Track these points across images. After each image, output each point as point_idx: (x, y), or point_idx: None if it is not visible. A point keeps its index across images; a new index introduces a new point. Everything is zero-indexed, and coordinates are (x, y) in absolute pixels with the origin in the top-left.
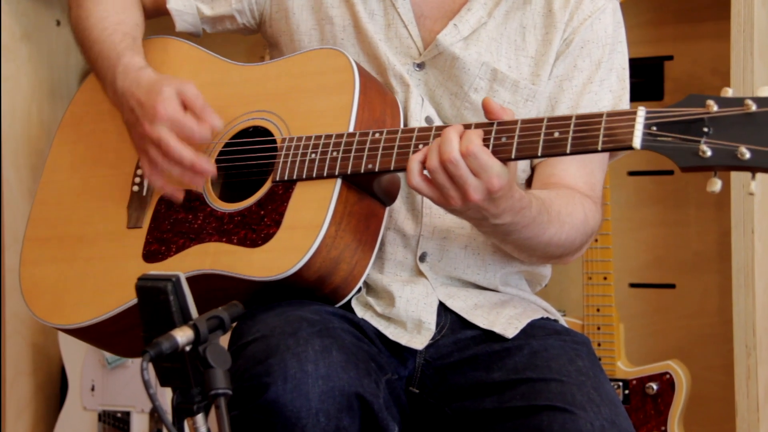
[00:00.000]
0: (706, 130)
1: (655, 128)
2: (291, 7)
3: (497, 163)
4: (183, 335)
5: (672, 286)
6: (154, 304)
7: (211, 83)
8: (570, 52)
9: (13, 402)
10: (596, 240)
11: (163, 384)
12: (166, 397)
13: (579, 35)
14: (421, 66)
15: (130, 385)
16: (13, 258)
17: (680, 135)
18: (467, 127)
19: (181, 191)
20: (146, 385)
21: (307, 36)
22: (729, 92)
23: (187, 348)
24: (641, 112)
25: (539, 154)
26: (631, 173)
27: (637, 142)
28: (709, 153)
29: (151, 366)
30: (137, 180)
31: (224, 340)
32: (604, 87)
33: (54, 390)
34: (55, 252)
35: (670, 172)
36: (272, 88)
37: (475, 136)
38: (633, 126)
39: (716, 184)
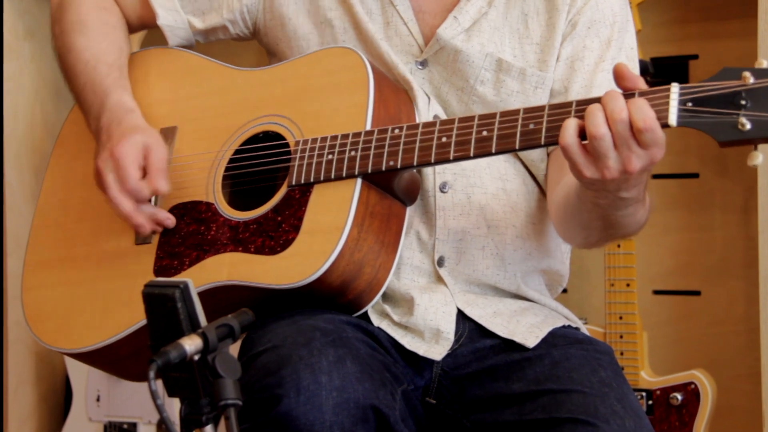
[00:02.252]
0: (743, 102)
1: (690, 104)
2: (286, 14)
3: (661, 133)
4: (191, 344)
5: (697, 293)
6: (162, 312)
7: (216, 91)
8: (577, 33)
9: (16, 412)
10: (618, 245)
11: (170, 394)
12: (173, 408)
13: (585, 16)
14: (423, 64)
15: (137, 395)
16: (15, 264)
17: (717, 109)
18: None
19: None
20: (153, 395)
21: (305, 41)
22: (764, 63)
23: (196, 357)
24: (675, 88)
25: None
26: (655, 176)
27: (673, 119)
28: (748, 126)
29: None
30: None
31: (234, 351)
32: None
33: (58, 400)
34: (58, 275)
35: (696, 175)
36: (280, 91)
37: (647, 106)
38: (668, 103)
39: (757, 158)
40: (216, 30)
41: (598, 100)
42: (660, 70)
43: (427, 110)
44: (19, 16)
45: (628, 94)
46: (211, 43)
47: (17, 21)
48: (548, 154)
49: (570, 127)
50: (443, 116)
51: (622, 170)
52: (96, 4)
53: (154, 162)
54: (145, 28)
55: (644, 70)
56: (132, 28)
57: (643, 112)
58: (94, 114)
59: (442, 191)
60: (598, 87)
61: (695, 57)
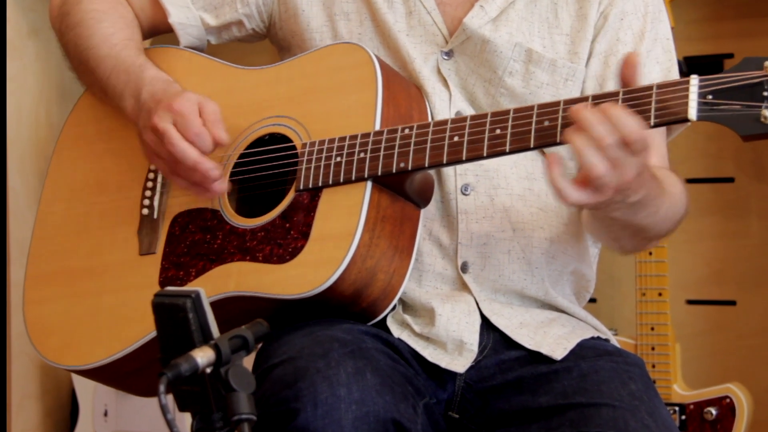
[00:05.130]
0: (766, 94)
1: (710, 96)
2: (300, 4)
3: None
4: (203, 356)
5: (732, 302)
6: (172, 323)
7: (220, 91)
8: (610, 26)
9: (20, 427)
10: (650, 253)
11: (181, 409)
12: (185, 423)
13: (616, 7)
14: (449, 54)
15: (146, 409)
16: (19, 272)
17: (739, 102)
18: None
19: (207, 191)
20: (163, 410)
21: (319, 33)
22: None
23: (208, 370)
24: (694, 80)
25: None
26: (689, 181)
27: (692, 113)
28: None
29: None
30: (146, 203)
31: (248, 363)
32: (651, 58)
33: (63, 414)
34: (61, 288)
35: (731, 180)
36: (286, 90)
37: (625, 116)
38: (687, 96)
39: None
40: (230, 26)
41: (614, 94)
42: (693, 70)
43: (447, 106)
44: (23, 13)
45: (642, 89)
46: (222, 43)
47: (21, 19)
48: None
49: (557, 177)
50: (466, 112)
51: (620, 183)
52: None
53: (209, 114)
54: (155, 33)
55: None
56: (143, 33)
57: (627, 124)
58: (130, 92)
59: (463, 194)
60: None
61: (730, 56)
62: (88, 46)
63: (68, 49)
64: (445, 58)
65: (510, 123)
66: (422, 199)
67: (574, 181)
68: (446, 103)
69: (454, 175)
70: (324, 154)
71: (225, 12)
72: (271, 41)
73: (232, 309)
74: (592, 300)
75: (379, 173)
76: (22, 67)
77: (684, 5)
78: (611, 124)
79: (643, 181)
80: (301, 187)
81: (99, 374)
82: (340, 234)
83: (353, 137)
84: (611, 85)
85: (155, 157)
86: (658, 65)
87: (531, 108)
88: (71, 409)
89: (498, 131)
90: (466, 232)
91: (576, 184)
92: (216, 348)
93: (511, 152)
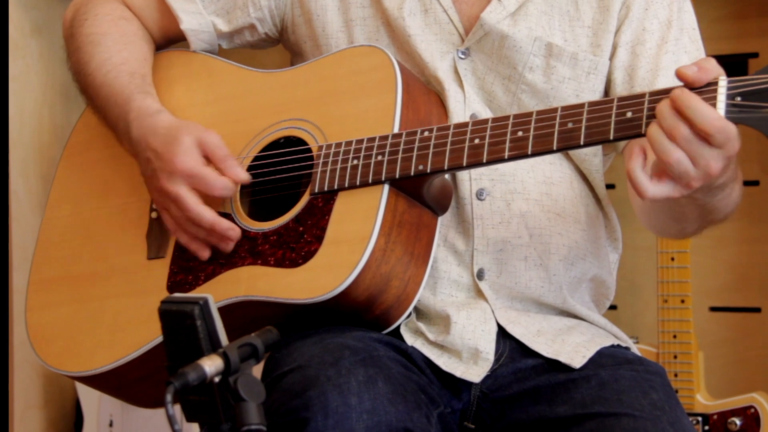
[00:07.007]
0: None
1: (739, 98)
2: (314, 9)
3: (731, 125)
4: (212, 365)
5: (757, 309)
6: (180, 330)
7: (234, 94)
8: (634, 16)
9: None
10: (672, 258)
11: (189, 419)
12: None
13: None
14: (466, 53)
15: (153, 420)
16: (22, 279)
17: None
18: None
19: (207, 249)
20: (171, 420)
21: (335, 39)
22: None
23: (216, 379)
24: (723, 81)
25: (611, 138)
26: None
27: (721, 114)
28: None
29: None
30: (155, 206)
31: (257, 372)
32: (680, 47)
33: (67, 425)
34: (65, 293)
35: (756, 183)
36: (302, 93)
37: (704, 107)
38: (715, 98)
39: None
40: (242, 31)
41: (639, 96)
42: None
43: (462, 109)
44: (25, 11)
45: (669, 91)
46: (234, 48)
47: (23, 17)
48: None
49: (642, 179)
50: (481, 115)
51: (706, 176)
52: (113, 15)
53: (215, 151)
54: (168, 42)
55: None
56: (156, 43)
57: (705, 116)
58: (122, 129)
59: (479, 199)
60: (665, 70)
61: (755, 55)
62: (86, 73)
63: (72, 70)
64: (462, 57)
65: (533, 125)
66: (440, 206)
67: (653, 174)
68: (461, 105)
69: (469, 180)
70: (340, 157)
71: (237, 16)
72: (284, 46)
73: (241, 315)
74: (613, 307)
75: (397, 176)
76: (25, 67)
77: (707, 3)
78: (685, 116)
79: (732, 163)
80: (316, 190)
81: (101, 382)
82: (355, 237)
83: (371, 140)
84: (640, 75)
85: (163, 210)
86: (686, 55)
87: (554, 110)
88: (75, 420)
89: (520, 133)
90: (482, 238)
91: (655, 177)
92: (225, 356)
93: (533, 155)
